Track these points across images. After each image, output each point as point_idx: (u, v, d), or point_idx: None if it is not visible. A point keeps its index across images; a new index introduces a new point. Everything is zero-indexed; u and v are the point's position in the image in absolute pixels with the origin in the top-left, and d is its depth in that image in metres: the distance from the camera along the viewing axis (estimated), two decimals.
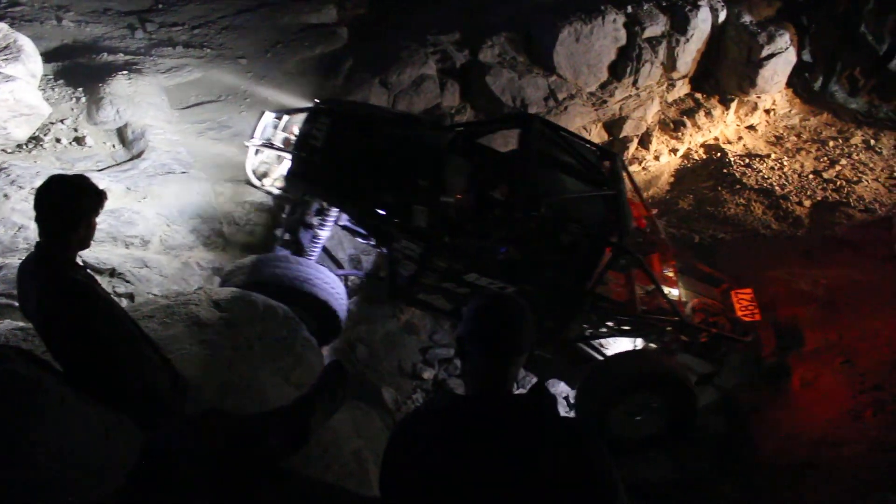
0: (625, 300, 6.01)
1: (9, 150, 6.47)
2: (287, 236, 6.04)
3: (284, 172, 5.77)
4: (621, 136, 10.11)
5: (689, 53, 10.82)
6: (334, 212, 5.78)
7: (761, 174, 10.07)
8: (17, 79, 6.74)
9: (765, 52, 10.82)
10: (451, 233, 5.33)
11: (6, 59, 6.86)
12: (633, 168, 10.22)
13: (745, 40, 10.93)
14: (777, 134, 11.26)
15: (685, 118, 10.86)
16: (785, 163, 10.40)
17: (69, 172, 2.95)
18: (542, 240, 5.48)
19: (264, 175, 6.12)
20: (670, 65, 10.75)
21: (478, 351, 2.04)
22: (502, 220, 5.37)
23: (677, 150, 10.67)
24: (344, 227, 6.08)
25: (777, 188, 9.77)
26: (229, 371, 4.58)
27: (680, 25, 10.57)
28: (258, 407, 4.22)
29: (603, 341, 6.31)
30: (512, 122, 6.50)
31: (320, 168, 5.48)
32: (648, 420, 5.90)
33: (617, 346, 6.34)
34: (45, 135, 6.70)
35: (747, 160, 10.41)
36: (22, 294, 2.80)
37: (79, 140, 6.79)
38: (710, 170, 10.33)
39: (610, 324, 6.07)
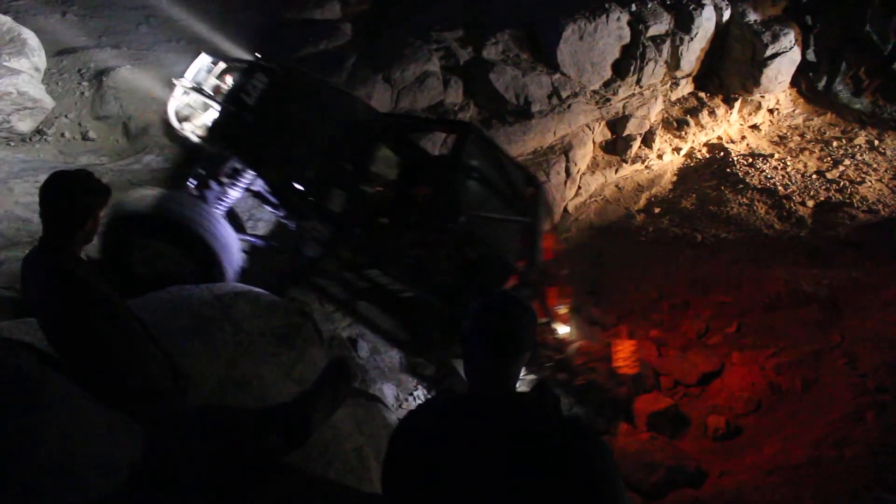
0: None
1: (12, 144, 6.47)
2: (195, 187, 5.62)
3: (208, 122, 5.46)
4: (624, 134, 10.09)
5: (693, 52, 10.81)
6: (249, 175, 5.49)
7: (764, 174, 10.05)
8: (21, 73, 6.75)
9: (769, 52, 10.81)
10: (363, 225, 5.21)
11: (10, 53, 6.87)
12: (636, 167, 10.20)
13: (749, 39, 10.91)
14: (780, 134, 11.24)
15: (689, 117, 10.84)
16: (788, 163, 10.38)
17: (73, 166, 2.96)
18: (450, 251, 5.40)
19: (186, 119, 5.73)
20: (674, 63, 10.74)
21: (480, 349, 2.04)
22: (417, 223, 5.28)
23: (680, 148, 10.66)
24: (255, 194, 5.77)
25: (780, 188, 9.75)
26: (230, 366, 4.57)
27: (684, 24, 10.56)
28: (259, 403, 4.22)
29: None
30: (449, 127, 6.38)
31: (247, 126, 5.25)
32: None
33: None
34: (48, 128, 6.71)
35: (750, 160, 10.40)
36: (25, 288, 2.81)
37: (83, 134, 6.80)
38: (714, 169, 10.31)
39: None
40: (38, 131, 6.66)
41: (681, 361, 7.10)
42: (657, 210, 9.67)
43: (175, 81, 5.53)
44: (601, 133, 10.08)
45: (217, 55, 5.97)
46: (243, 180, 5.48)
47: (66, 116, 6.91)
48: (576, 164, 9.35)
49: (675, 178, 10.39)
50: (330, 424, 4.05)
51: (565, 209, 9.32)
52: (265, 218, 6.41)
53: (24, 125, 6.67)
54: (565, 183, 9.18)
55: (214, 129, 5.30)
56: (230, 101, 5.27)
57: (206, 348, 4.52)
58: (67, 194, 2.65)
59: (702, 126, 10.82)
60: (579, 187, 9.56)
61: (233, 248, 5.30)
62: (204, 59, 5.70)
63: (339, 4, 9.76)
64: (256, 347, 4.85)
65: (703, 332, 7.51)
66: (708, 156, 10.65)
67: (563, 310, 6.36)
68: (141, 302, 4.76)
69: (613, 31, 9.98)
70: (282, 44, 8.85)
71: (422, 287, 5.35)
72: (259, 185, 5.59)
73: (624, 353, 6.59)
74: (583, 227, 9.37)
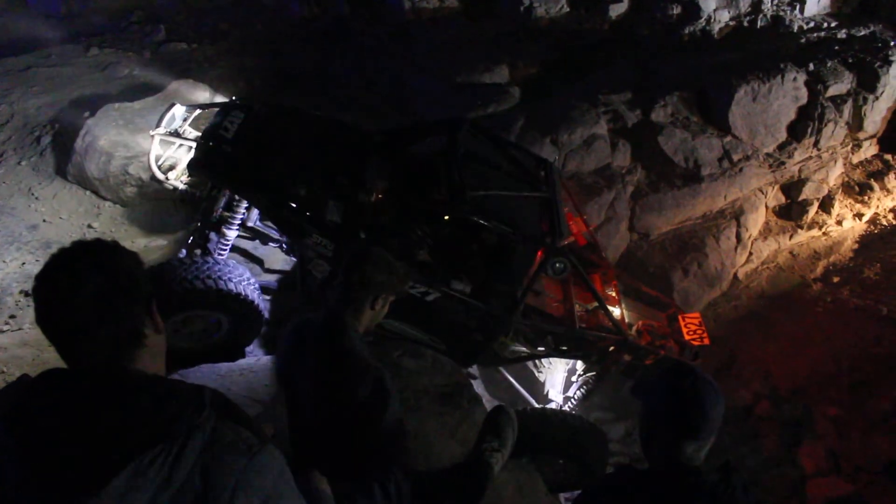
0: (562, 316, 5.65)
1: None
2: (194, 241, 5.55)
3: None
4: (800, 198, 9.64)
5: (877, 112, 10.23)
6: (242, 208, 5.33)
7: None
8: None
9: None
10: (367, 227, 4.97)
11: None
12: (813, 233, 9.68)
13: None
14: None
15: (872, 181, 10.20)
16: None
17: None
18: (466, 239, 5.14)
19: (170, 168, 5.66)
20: (856, 124, 10.18)
21: (670, 431, 2.03)
22: (424, 212, 5.03)
23: (863, 214, 10.01)
24: (252, 230, 5.61)
25: None
26: (397, 423, 4.70)
27: (868, 83, 10.02)
28: (423, 462, 4.30)
29: (539, 367, 5.99)
30: (441, 128, 5.88)
31: (228, 157, 5.07)
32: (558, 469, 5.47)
33: (553, 372, 6.03)
34: None
35: None
36: (293, 350, 2.73)
37: None
38: None
39: (547, 340, 5.64)
40: None
41: (864, 445, 6.60)
42: (836, 279, 9.10)
43: (151, 133, 5.53)
44: (774, 197, 9.69)
45: (191, 103, 6.00)
46: (237, 215, 5.37)
47: None
48: (747, 230, 9.03)
49: (856, 246, 9.74)
50: (492, 489, 4.06)
51: (735, 276, 8.98)
52: (270, 258, 6.33)
53: None
54: (735, 249, 8.87)
55: (193, 166, 5.17)
56: (207, 138, 5.18)
57: None
58: (364, 269, 2.62)
59: (888, 190, 10.14)
60: (750, 253, 9.19)
61: (253, 283, 5.23)
62: (178, 109, 5.68)
63: (507, 68, 10.01)
64: (422, 405, 4.97)
65: (889, 413, 6.95)
66: (895, 222, 9.94)
67: (611, 292, 6.16)
68: None
69: (789, 92, 9.63)
70: (451, 107, 9.17)
71: (447, 284, 5.01)
72: (253, 219, 5.50)
73: (693, 325, 6.22)
74: (753, 294, 8.97)
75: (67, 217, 7.02)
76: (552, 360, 6.22)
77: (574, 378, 6.38)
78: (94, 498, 1.26)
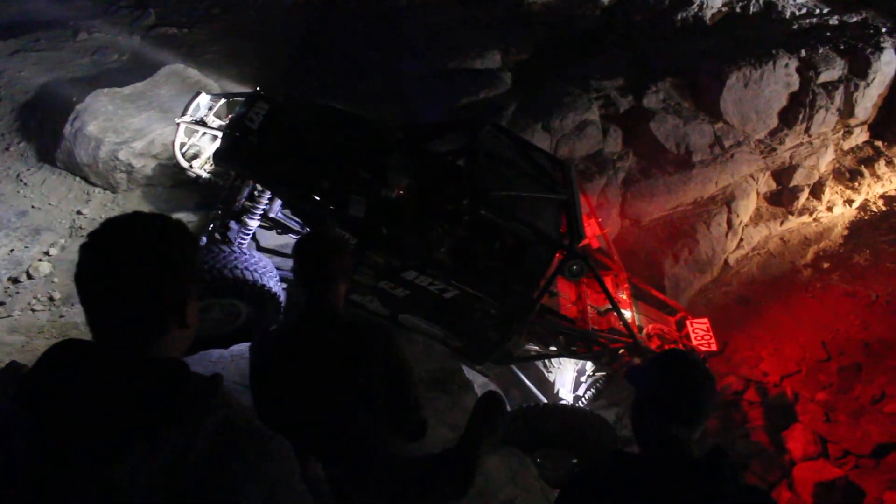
0: (575, 317, 5.74)
1: None
2: (214, 229, 5.57)
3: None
4: (791, 185, 9.66)
5: (869, 99, 10.22)
6: (265, 198, 5.40)
7: None
8: None
9: None
10: (389, 225, 5.02)
11: None
12: (803, 219, 9.71)
13: None
14: None
15: (863, 167, 10.23)
16: None
17: None
18: (486, 239, 5.17)
19: (194, 157, 5.74)
20: (847, 111, 10.19)
21: (662, 416, 2.04)
22: (446, 212, 5.06)
23: (853, 200, 10.05)
24: (274, 221, 5.64)
25: None
26: None
27: (860, 69, 10.03)
28: (414, 447, 4.31)
29: (548, 366, 6.12)
30: (462, 126, 5.93)
31: (253, 148, 5.14)
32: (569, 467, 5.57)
33: (562, 372, 6.13)
34: None
35: None
36: (276, 364, 2.68)
37: None
38: (892, 223, 9.63)
39: (559, 340, 5.74)
40: None
41: (852, 429, 6.66)
42: (826, 265, 9.15)
43: (176, 120, 5.61)
44: (766, 184, 9.70)
45: (216, 93, 6.05)
46: (260, 206, 5.42)
47: None
48: (738, 216, 9.05)
49: (846, 232, 9.79)
50: (483, 472, 4.07)
51: (726, 262, 9.02)
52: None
53: None
54: (726, 235, 8.89)
55: (219, 156, 5.26)
56: (233, 128, 5.24)
57: None
58: (321, 257, 2.62)
59: (878, 177, 10.17)
60: (741, 239, 9.22)
61: (272, 271, 5.28)
62: (203, 98, 5.75)
63: (499, 54, 9.94)
64: None
65: (877, 398, 7.01)
66: (885, 208, 9.97)
67: (623, 295, 6.25)
68: None
69: (781, 78, 9.63)
70: (443, 93, 9.14)
71: (465, 282, 5.09)
72: (275, 210, 5.55)
73: (701, 331, 6.30)
74: (744, 280, 9.01)
75: (57, 203, 6.97)
76: (562, 360, 6.26)
77: (583, 378, 6.42)
78: (106, 475, 1.26)
